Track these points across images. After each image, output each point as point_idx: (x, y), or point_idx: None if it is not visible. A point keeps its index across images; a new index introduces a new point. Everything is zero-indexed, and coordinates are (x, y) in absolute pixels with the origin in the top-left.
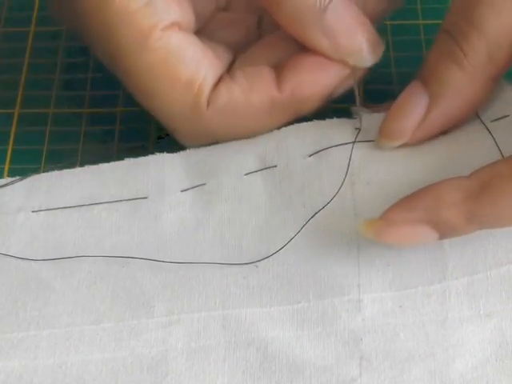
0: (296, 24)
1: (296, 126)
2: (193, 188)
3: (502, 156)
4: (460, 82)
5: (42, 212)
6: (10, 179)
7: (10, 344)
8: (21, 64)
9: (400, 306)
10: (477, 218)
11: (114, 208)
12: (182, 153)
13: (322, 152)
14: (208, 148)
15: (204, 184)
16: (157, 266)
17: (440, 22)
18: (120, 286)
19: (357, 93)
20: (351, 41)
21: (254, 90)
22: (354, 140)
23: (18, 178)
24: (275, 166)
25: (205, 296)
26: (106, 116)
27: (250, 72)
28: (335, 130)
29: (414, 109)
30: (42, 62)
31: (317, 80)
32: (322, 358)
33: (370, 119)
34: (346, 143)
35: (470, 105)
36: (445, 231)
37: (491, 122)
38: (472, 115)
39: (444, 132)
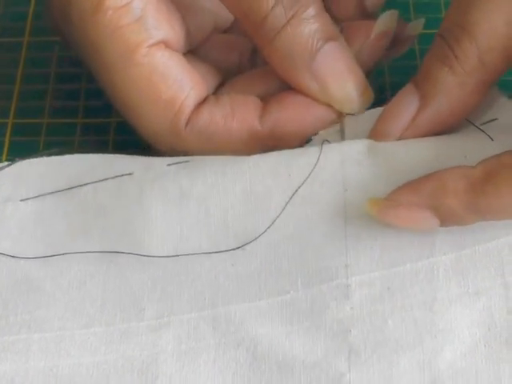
0: (286, 64)
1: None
2: (178, 163)
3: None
4: (451, 84)
5: (29, 201)
6: None
7: (0, 347)
8: (14, 74)
9: (388, 288)
10: (479, 208)
11: (100, 187)
12: None
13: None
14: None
15: (187, 161)
16: (145, 260)
17: (434, 31)
18: (110, 288)
19: (342, 133)
20: (340, 87)
21: (236, 117)
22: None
23: (6, 163)
24: None
25: (194, 292)
26: (100, 126)
27: (236, 99)
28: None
29: (403, 109)
30: (36, 72)
31: (300, 119)
32: (311, 354)
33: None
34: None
35: (460, 108)
36: (446, 218)
37: (481, 125)
38: (462, 121)
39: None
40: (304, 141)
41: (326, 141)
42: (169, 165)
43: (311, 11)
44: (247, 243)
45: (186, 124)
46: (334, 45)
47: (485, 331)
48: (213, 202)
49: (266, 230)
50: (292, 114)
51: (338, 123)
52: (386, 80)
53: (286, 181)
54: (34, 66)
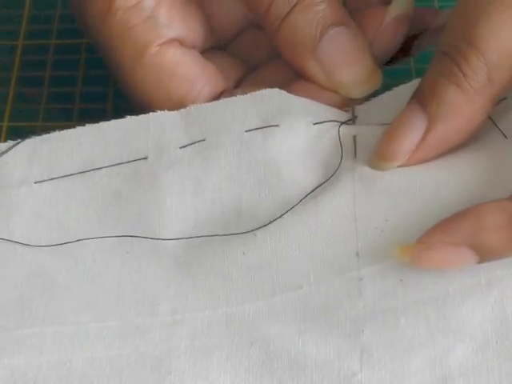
0: (292, 52)
1: (299, 98)
2: (192, 144)
3: (505, 136)
4: (459, 103)
5: (44, 183)
6: (11, 142)
7: (15, 341)
8: (9, 78)
9: (401, 280)
10: None
11: (114, 172)
12: (182, 110)
13: (326, 124)
14: (209, 104)
15: (203, 140)
16: (160, 250)
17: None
18: (125, 280)
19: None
20: (345, 72)
21: None
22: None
23: (18, 140)
24: (277, 126)
25: (208, 289)
26: None
27: (249, 92)
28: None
29: (411, 130)
30: (31, 75)
31: None
32: (323, 353)
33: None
34: (349, 120)
35: (468, 127)
36: (486, 255)
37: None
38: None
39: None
40: None
41: (342, 123)
42: (181, 147)
43: None
44: (257, 228)
45: None
46: (339, 29)
47: (497, 326)
48: (227, 193)
49: (278, 218)
50: None
51: (348, 110)
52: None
53: (301, 173)
54: (28, 69)
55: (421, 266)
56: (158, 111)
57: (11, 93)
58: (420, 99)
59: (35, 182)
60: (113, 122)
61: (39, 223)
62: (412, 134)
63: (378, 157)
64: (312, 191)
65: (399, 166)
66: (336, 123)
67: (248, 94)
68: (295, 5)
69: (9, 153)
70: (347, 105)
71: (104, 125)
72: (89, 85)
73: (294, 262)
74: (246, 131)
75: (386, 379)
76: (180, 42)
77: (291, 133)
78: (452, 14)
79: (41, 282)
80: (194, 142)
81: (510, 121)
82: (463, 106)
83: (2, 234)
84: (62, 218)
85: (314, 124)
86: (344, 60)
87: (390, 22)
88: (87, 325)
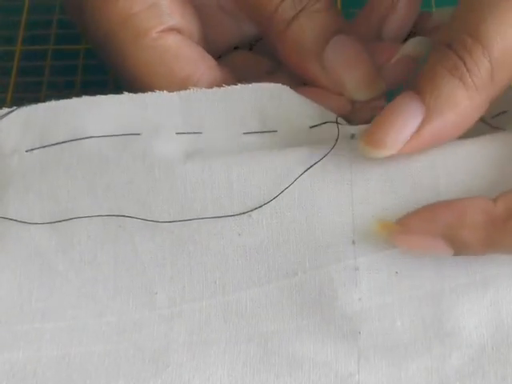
0: (296, 56)
1: (299, 96)
2: (188, 134)
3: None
4: (460, 97)
5: (35, 151)
6: (5, 110)
7: (14, 336)
8: (7, 83)
9: (396, 273)
10: (496, 245)
11: (104, 141)
12: (182, 93)
13: (324, 126)
14: (209, 92)
15: (200, 133)
16: (153, 224)
17: None
18: (120, 263)
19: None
20: (350, 75)
21: None
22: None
23: (13, 108)
24: (275, 131)
25: (204, 271)
26: None
27: None
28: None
29: (407, 120)
30: (29, 81)
31: None
32: (320, 354)
33: None
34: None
35: (465, 122)
36: (460, 250)
37: (492, 118)
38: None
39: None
40: None
41: (339, 117)
42: (178, 133)
43: (320, 5)
44: (252, 210)
45: None
46: (343, 37)
47: (492, 331)
48: (216, 160)
49: (272, 199)
50: None
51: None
52: None
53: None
54: (26, 74)
55: (395, 245)
56: (157, 91)
57: (9, 98)
58: (418, 88)
59: (26, 151)
60: (110, 96)
61: (30, 194)
62: (409, 123)
63: (368, 142)
64: (308, 169)
65: (388, 156)
66: (334, 124)
67: (250, 86)
68: (302, 9)
69: (3, 120)
70: (350, 109)
71: (100, 98)
72: (87, 90)
73: (290, 247)
74: (244, 133)
75: (383, 382)
76: (178, 31)
77: (288, 139)
78: (457, 8)
79: (39, 268)
80: (190, 133)
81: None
82: (463, 100)
83: None
84: (52, 187)
85: (311, 127)
86: (348, 64)
87: (400, 59)
88: (86, 320)
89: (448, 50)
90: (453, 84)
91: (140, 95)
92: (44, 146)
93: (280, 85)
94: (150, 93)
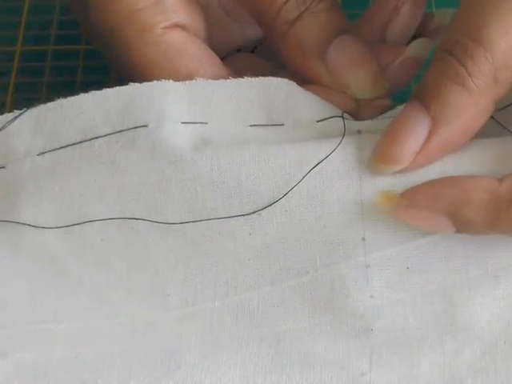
0: (299, 56)
1: (305, 91)
2: (193, 123)
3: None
4: (464, 104)
5: (46, 154)
6: (16, 112)
7: (26, 336)
8: (7, 84)
9: (407, 268)
10: (499, 225)
11: (114, 139)
12: (187, 83)
13: (330, 120)
14: (215, 83)
15: (206, 123)
16: (165, 225)
17: None
18: (133, 265)
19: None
20: (352, 74)
21: None
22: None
23: (23, 110)
24: (282, 125)
25: (216, 271)
26: None
27: None
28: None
29: (415, 131)
30: (28, 80)
31: None
32: (332, 354)
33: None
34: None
35: (472, 127)
36: (463, 228)
37: (498, 110)
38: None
39: None
40: None
41: (344, 113)
42: (183, 123)
43: (323, 5)
44: (262, 208)
45: None
46: (347, 37)
47: (505, 325)
48: (225, 158)
49: (282, 197)
50: None
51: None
52: None
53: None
54: (26, 75)
55: (397, 219)
56: (163, 80)
57: (9, 99)
58: (422, 99)
59: (38, 154)
60: (116, 88)
61: (43, 198)
62: (416, 136)
63: (379, 159)
64: (316, 165)
65: (400, 171)
66: (340, 119)
67: (256, 79)
68: (305, 10)
69: (14, 124)
70: (355, 107)
71: (107, 92)
72: (87, 90)
73: (300, 245)
74: (251, 125)
75: (395, 380)
76: (183, 28)
77: (295, 134)
78: (457, 12)
79: (52, 273)
80: (196, 123)
81: None
82: (468, 107)
83: (11, 215)
84: (64, 190)
85: (318, 121)
86: (352, 64)
87: (404, 60)
88: (98, 321)
89: (449, 57)
90: (456, 92)
91: (145, 84)
92: (55, 149)
93: (286, 80)
94: (155, 81)
